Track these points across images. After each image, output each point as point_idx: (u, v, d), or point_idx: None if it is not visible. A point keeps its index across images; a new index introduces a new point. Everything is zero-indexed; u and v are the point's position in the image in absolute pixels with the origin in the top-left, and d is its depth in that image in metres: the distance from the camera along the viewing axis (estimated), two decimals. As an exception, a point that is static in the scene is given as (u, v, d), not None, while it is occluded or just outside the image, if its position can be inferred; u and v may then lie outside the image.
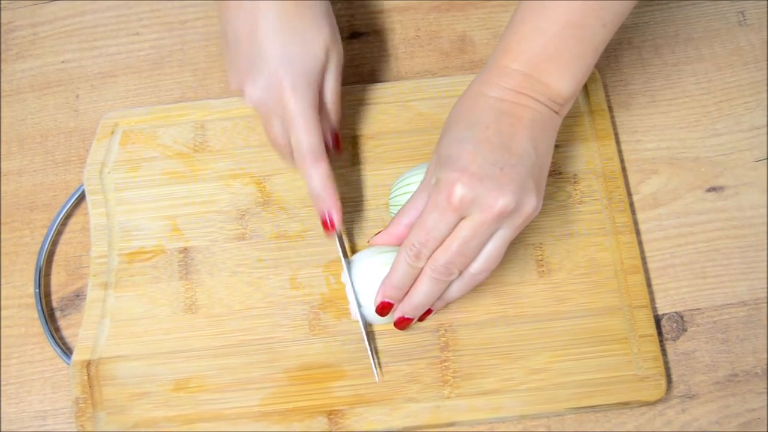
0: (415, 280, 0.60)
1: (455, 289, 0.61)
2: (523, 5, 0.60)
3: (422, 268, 0.59)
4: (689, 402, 0.66)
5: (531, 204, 0.58)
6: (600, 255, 0.68)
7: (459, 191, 0.56)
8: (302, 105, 0.63)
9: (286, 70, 0.62)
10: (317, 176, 0.64)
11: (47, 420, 0.67)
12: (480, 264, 0.59)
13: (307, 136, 0.63)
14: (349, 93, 0.75)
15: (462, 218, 0.57)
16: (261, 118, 0.65)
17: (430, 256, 0.59)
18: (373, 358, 0.65)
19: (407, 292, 0.61)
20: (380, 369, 0.66)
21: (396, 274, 0.60)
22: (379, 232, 0.65)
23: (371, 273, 0.64)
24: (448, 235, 0.58)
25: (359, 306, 0.64)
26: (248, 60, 0.63)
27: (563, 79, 0.60)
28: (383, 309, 0.62)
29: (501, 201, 0.56)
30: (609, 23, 0.60)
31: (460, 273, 0.59)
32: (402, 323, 0.63)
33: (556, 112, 0.61)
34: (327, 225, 0.65)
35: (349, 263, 0.66)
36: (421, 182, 0.62)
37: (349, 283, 0.65)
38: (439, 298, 0.62)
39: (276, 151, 0.67)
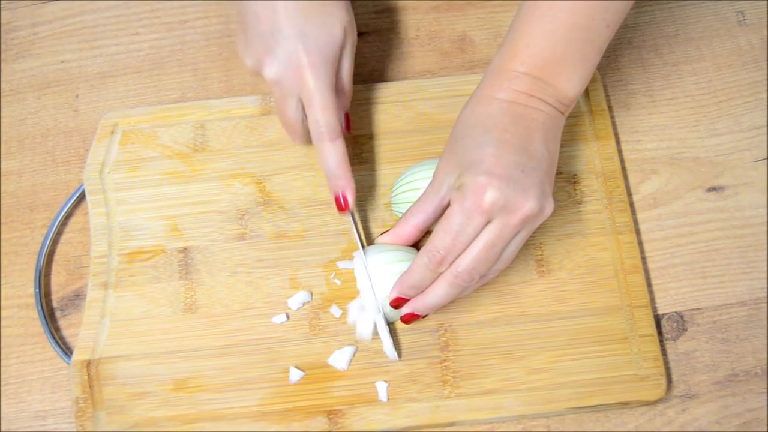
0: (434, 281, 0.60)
1: (467, 289, 0.61)
2: (526, 6, 0.60)
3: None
4: (689, 402, 0.66)
5: (550, 207, 0.58)
6: (600, 255, 0.68)
7: (490, 195, 0.56)
8: (321, 83, 0.63)
9: (306, 48, 0.63)
10: (334, 154, 0.64)
11: (47, 420, 0.67)
12: (497, 267, 0.59)
13: (324, 115, 0.64)
14: (349, 93, 0.75)
15: (488, 222, 0.57)
16: (277, 96, 0.66)
17: (453, 262, 0.58)
18: (391, 337, 0.64)
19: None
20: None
21: (414, 276, 0.60)
22: (386, 231, 0.64)
23: (375, 270, 0.63)
24: (473, 240, 0.57)
25: (371, 281, 0.64)
26: (267, 38, 0.63)
27: (570, 81, 0.60)
28: (398, 304, 0.62)
29: (527, 205, 0.56)
30: (612, 23, 0.60)
31: (480, 278, 0.59)
32: (410, 319, 0.63)
33: (562, 113, 0.61)
34: (340, 204, 0.66)
35: (361, 242, 0.66)
36: (429, 185, 0.62)
37: (361, 262, 0.64)
38: None
39: (287, 130, 0.68)
